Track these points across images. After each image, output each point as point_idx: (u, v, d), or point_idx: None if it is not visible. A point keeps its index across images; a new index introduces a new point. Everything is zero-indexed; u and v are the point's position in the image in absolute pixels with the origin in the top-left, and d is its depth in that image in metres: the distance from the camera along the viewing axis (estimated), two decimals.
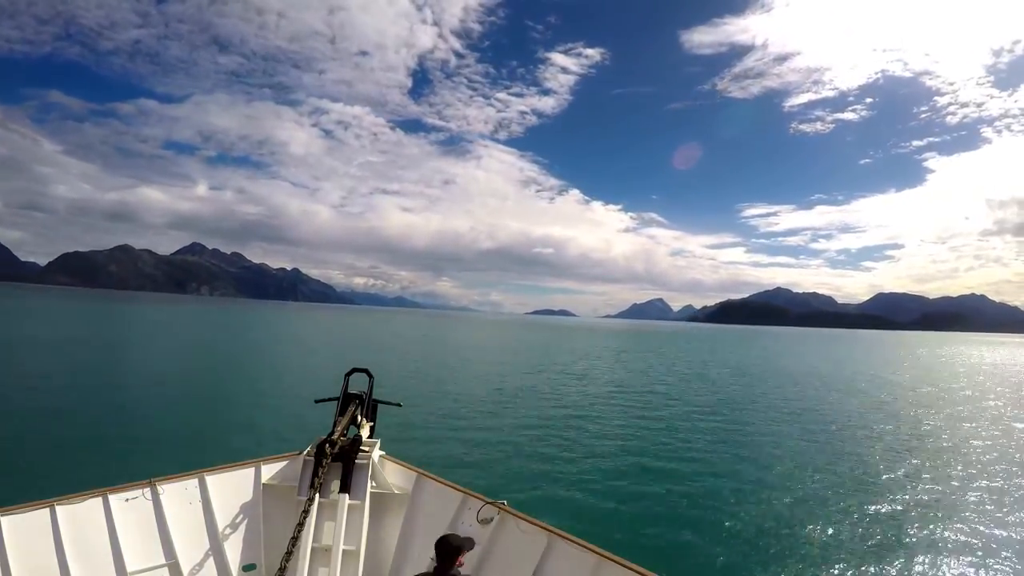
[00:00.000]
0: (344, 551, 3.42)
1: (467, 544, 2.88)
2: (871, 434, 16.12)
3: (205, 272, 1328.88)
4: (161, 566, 3.30)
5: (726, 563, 7.28)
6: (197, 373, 22.52)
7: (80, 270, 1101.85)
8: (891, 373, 38.85)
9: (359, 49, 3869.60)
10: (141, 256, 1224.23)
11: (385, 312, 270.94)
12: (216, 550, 3.47)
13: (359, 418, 4.08)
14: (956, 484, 11.31)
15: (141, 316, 68.96)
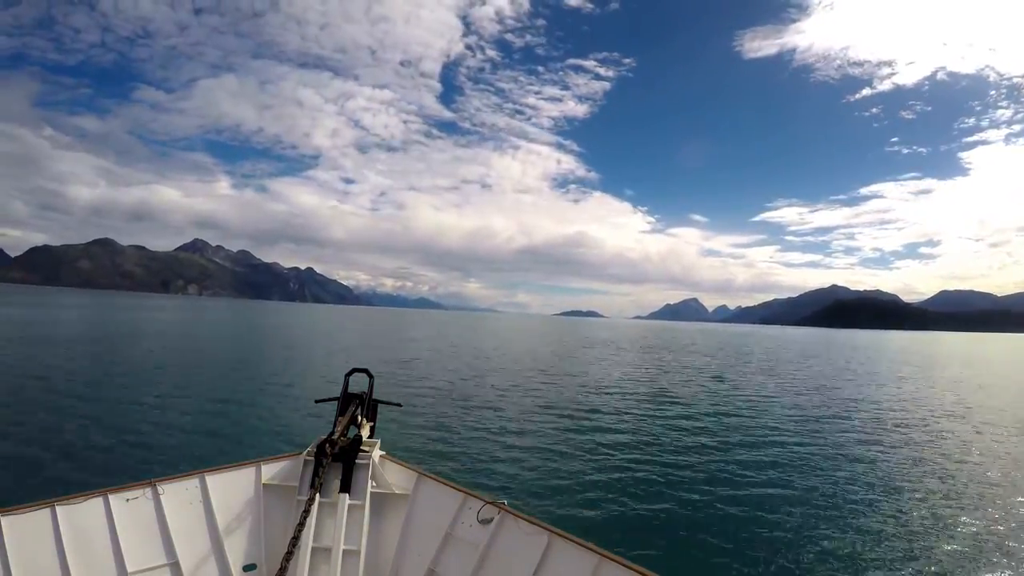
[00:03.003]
0: (344, 551, 3.36)
1: None
2: None
3: (199, 270, 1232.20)
4: (162, 566, 3.23)
5: (728, 564, 7.11)
6: (194, 375, 21.84)
7: (43, 266, 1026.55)
8: None
9: (400, 60, 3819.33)
10: (123, 252, 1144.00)
11: (397, 313, 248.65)
12: (217, 550, 3.40)
13: (359, 418, 4.04)
14: None
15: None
